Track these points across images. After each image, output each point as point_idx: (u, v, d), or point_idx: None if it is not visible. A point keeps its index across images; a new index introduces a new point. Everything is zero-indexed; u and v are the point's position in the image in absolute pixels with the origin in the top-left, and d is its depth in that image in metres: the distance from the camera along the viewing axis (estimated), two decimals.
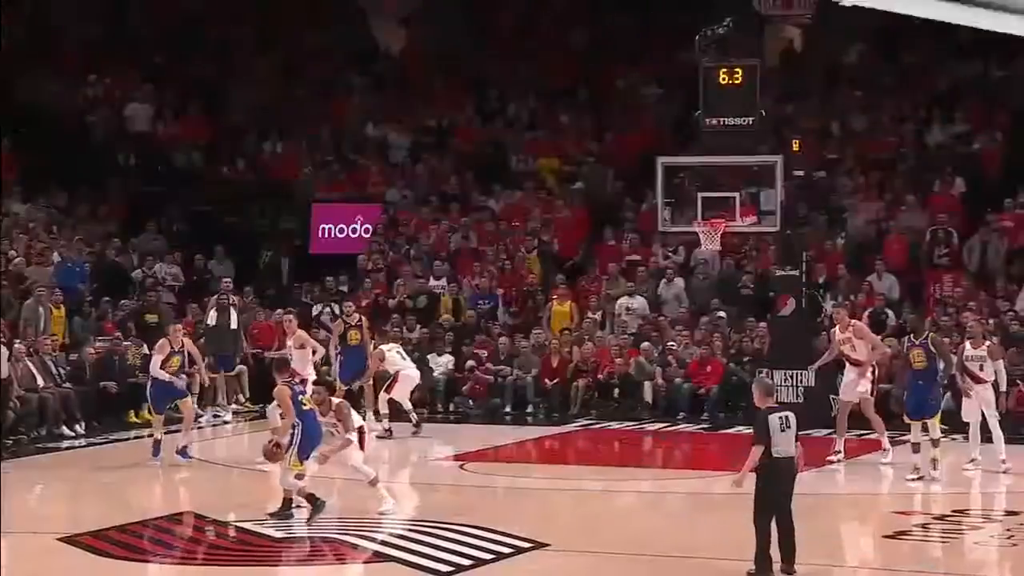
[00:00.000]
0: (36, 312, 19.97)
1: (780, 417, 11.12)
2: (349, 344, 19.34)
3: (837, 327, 16.53)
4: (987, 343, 16.07)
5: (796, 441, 11.20)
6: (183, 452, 16.54)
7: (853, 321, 16.77)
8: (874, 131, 25.50)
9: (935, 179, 23.72)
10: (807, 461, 11.96)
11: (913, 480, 15.17)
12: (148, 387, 17.07)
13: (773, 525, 11.09)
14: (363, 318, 19.95)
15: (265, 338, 21.59)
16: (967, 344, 15.92)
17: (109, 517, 13.51)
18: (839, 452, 16.40)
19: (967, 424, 15.88)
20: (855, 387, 16.34)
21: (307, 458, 13.26)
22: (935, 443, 15.24)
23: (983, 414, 15.65)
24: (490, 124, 27.65)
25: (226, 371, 20.69)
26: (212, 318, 20.84)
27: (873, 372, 16.50)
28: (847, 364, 16.42)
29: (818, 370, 18.38)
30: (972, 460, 15.77)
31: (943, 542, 13.00)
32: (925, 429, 15.33)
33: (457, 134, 27.44)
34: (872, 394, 16.41)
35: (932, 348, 15.32)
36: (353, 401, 18.08)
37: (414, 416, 18.94)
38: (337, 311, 21.93)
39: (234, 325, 20.67)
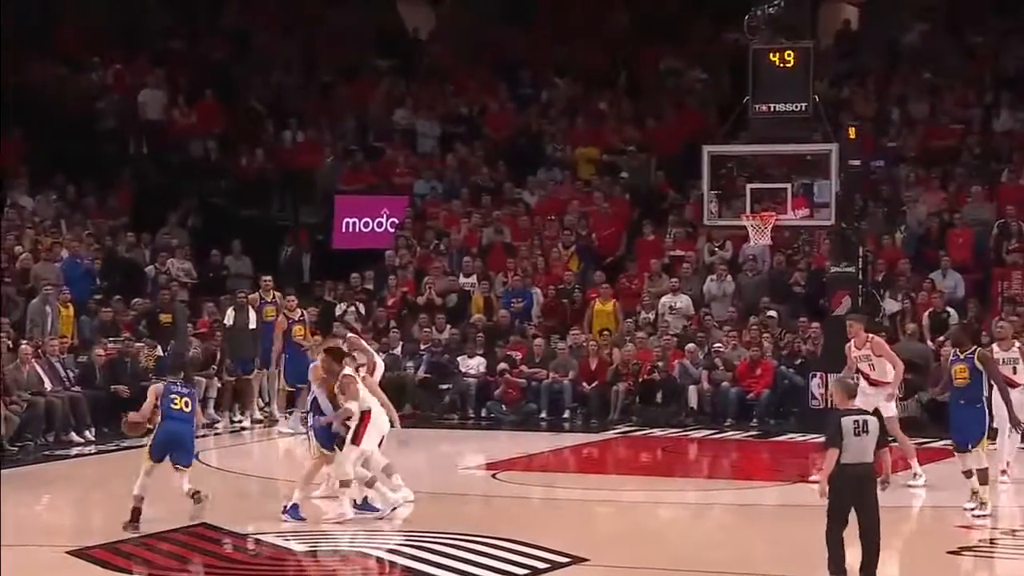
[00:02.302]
0: (43, 311, 20.11)
1: (856, 421, 11.00)
2: (293, 341, 19.68)
3: (852, 342, 15.58)
4: (1018, 344, 15.84)
5: (879, 447, 11.07)
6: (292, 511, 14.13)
7: (871, 336, 15.73)
8: (937, 117, 25.42)
9: (1003, 169, 23.61)
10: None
11: (973, 510, 14.20)
12: None
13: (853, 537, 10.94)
14: (305, 313, 20.16)
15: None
16: (994, 346, 15.67)
17: (120, 529, 13.57)
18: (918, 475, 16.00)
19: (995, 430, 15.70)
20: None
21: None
22: (982, 477, 14.25)
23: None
24: (524, 111, 27.68)
25: (244, 373, 20.80)
26: (230, 318, 20.97)
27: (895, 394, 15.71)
28: (865, 383, 15.23)
29: None
30: (1003, 472, 15.62)
31: (1010, 558, 12.92)
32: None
33: (489, 122, 27.48)
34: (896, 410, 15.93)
35: (978, 365, 14.33)
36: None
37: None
38: (360, 309, 22.08)
39: (252, 325, 20.77)
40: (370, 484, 13.92)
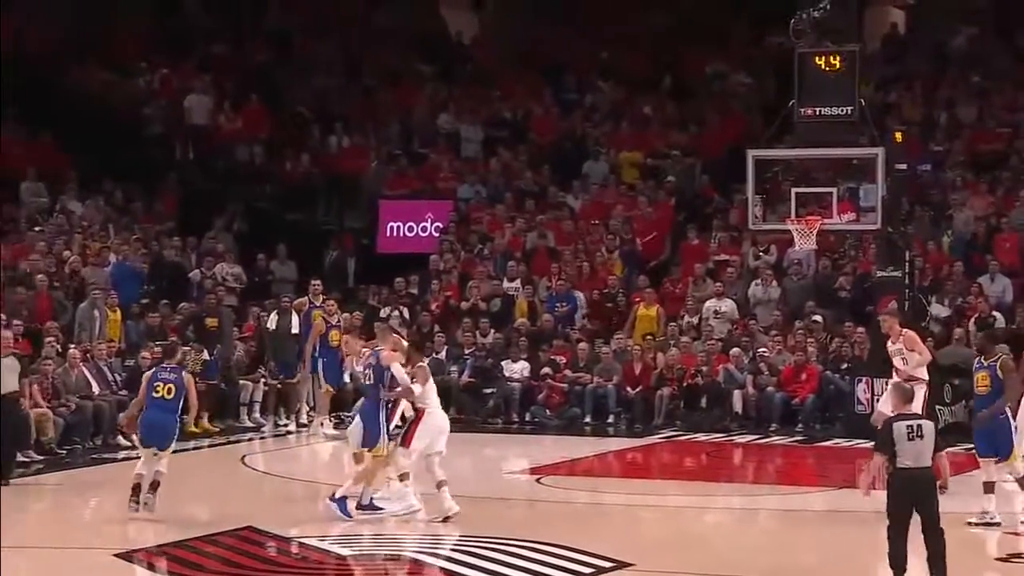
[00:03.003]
0: (91, 315, 20.26)
1: (910, 426, 10.99)
2: (330, 345, 19.63)
3: (890, 339, 15.45)
4: None
5: (935, 452, 11.02)
6: (340, 502, 14.14)
7: (904, 330, 15.64)
8: (984, 121, 25.27)
9: None
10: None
11: (976, 525, 13.68)
12: None
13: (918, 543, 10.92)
14: (341, 318, 20.21)
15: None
16: None
17: (167, 532, 13.68)
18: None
19: None
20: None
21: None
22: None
23: None
24: (568, 115, 27.70)
25: (287, 378, 20.87)
26: (272, 322, 21.07)
27: (925, 391, 15.33)
28: (897, 377, 14.97)
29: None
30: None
31: None
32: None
33: (533, 126, 27.51)
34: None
35: (1000, 373, 13.86)
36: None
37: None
38: (405, 314, 22.12)
39: (295, 330, 20.82)
40: (403, 478, 13.95)
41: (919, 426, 11.00)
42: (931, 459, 10.99)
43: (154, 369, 14.45)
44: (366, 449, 14.15)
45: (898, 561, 11.02)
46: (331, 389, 19.99)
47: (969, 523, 13.73)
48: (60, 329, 19.78)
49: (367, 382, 14.26)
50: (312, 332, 20.17)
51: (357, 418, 14.45)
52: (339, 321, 20.31)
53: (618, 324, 22.41)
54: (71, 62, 27.50)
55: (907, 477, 10.89)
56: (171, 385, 14.06)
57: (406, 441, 13.96)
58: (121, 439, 18.64)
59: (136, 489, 13.84)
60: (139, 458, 14.29)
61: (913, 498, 10.92)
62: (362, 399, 14.91)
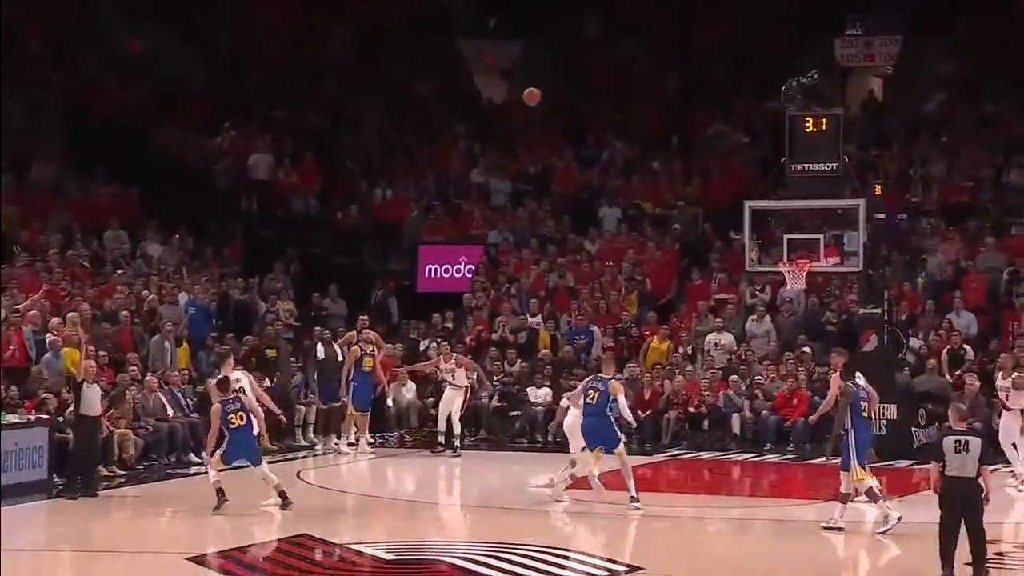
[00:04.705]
0: (162, 347, 20.30)
1: (957, 440, 11.08)
2: (363, 371, 19.63)
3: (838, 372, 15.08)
4: (1014, 374, 16.03)
5: (981, 465, 11.08)
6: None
7: (839, 369, 14.87)
8: (953, 176, 25.19)
9: (1013, 222, 23.35)
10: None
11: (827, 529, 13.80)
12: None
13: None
14: (375, 347, 20.19)
15: (380, 375, 21.56)
16: (999, 375, 16.05)
17: (232, 538, 13.71)
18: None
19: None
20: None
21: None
22: None
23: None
24: (586, 170, 27.73)
25: (331, 402, 20.78)
26: (320, 352, 21.08)
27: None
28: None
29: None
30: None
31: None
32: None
33: (555, 179, 27.56)
34: None
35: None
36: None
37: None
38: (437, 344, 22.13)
39: (340, 358, 20.81)
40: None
41: (967, 441, 11.08)
42: (976, 471, 11.02)
43: (223, 402, 14.83)
44: (601, 448, 15.29)
45: (946, 559, 11.14)
46: (354, 412, 19.93)
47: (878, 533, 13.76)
48: (139, 359, 19.85)
49: (592, 402, 15.32)
50: (348, 359, 20.18)
51: (580, 428, 15.52)
52: (373, 351, 20.17)
53: (632, 355, 22.35)
54: (151, 124, 27.70)
55: (953, 485, 10.99)
56: (241, 413, 14.40)
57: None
58: (193, 456, 18.71)
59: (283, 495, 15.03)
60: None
61: (959, 504, 10.96)
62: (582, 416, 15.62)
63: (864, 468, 13.82)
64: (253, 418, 15.20)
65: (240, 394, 15.39)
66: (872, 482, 13.84)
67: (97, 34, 29.09)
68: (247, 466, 15.16)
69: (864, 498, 14.05)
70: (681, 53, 29.87)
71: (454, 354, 20.26)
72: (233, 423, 14.89)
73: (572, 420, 15.94)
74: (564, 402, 17.16)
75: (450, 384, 19.94)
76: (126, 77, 28.47)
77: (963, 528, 11.18)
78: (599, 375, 15.82)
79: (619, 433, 15.63)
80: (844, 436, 14.06)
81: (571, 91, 29.64)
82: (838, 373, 14.61)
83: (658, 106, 28.90)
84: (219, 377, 16.12)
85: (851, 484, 13.83)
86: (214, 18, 30.14)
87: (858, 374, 14.65)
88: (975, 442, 11.03)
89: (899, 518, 13.66)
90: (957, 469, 10.92)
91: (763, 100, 25.85)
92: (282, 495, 15.05)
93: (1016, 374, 15.93)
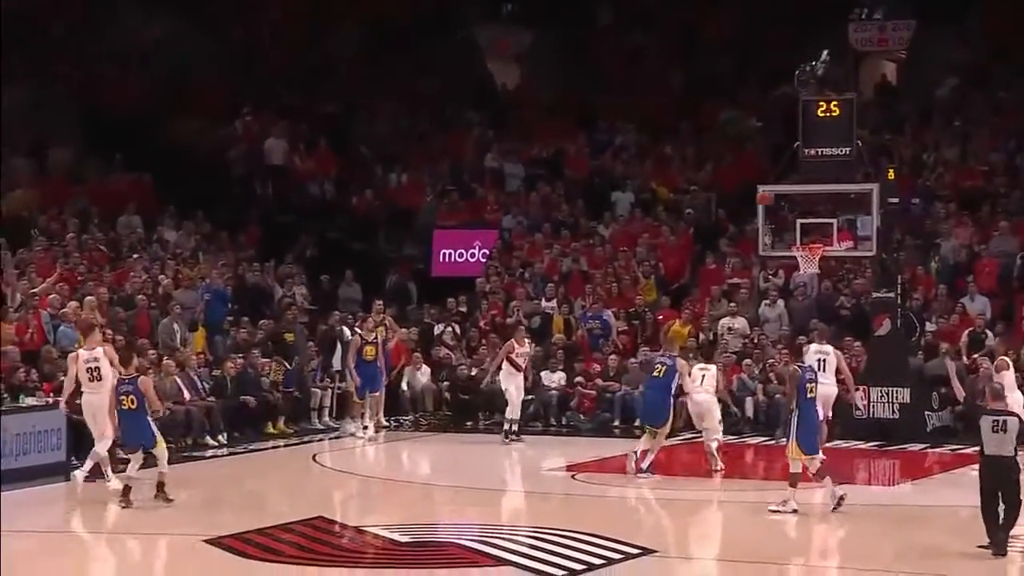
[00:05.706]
0: (170, 330, 20.19)
1: (995, 420, 11.23)
2: (365, 359, 19.44)
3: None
4: (1006, 372, 15.74)
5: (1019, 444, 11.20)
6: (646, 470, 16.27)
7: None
8: (966, 160, 25.05)
9: None
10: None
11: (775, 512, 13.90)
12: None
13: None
14: (376, 335, 19.75)
15: (394, 358, 21.57)
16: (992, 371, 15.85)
17: (248, 520, 13.70)
18: None
19: None
20: None
21: None
22: None
23: None
24: (599, 155, 27.64)
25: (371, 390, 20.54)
26: (347, 335, 20.97)
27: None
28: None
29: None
30: None
31: None
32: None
33: (568, 164, 27.47)
34: None
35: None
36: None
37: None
38: (456, 329, 22.03)
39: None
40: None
41: (1004, 421, 11.27)
42: (1014, 449, 11.08)
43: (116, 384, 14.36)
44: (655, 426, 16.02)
45: (990, 532, 11.37)
46: (357, 400, 19.81)
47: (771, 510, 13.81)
48: (152, 344, 19.82)
49: (659, 375, 16.11)
50: (351, 346, 20.06)
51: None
52: (375, 338, 19.78)
53: (647, 339, 22.17)
54: (167, 113, 27.69)
55: (990, 463, 11.17)
56: (132, 396, 14.17)
57: None
58: (209, 439, 18.68)
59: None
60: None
61: (996, 479, 11.13)
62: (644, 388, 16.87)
63: (802, 448, 13.76)
64: (145, 401, 14.34)
65: (97, 365, 14.66)
66: (810, 464, 13.79)
67: (113, 23, 29.06)
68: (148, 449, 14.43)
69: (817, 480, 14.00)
70: (690, 45, 29.75)
71: (526, 339, 19.95)
72: (124, 405, 14.30)
73: (705, 398, 16.53)
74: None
75: (517, 369, 19.51)
76: (140, 66, 28.48)
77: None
78: (669, 352, 16.52)
79: (669, 414, 16.26)
80: (789, 416, 14.26)
81: (582, 79, 29.53)
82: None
83: (667, 95, 28.76)
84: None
85: (796, 463, 13.79)
86: (229, 6, 30.07)
87: (813, 347, 15.80)
88: (1012, 422, 11.14)
89: (842, 496, 13.77)
90: (995, 447, 11.04)
91: (774, 87, 25.73)
92: (125, 490, 14.23)
93: (1007, 372, 15.68)
